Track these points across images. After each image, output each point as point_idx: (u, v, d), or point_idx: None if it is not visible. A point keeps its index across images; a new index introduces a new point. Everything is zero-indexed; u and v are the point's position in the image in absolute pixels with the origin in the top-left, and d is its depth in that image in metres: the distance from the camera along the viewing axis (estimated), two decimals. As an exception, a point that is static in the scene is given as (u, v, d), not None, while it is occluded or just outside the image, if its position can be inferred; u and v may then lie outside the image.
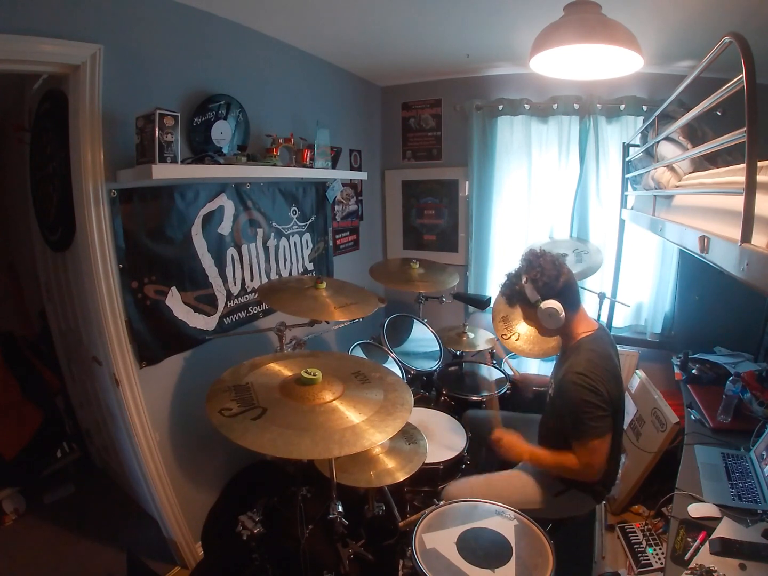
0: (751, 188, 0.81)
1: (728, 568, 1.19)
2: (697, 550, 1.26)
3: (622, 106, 2.62)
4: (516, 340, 2.34)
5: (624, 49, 1.38)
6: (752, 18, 1.72)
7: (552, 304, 1.49)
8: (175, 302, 1.84)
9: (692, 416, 1.99)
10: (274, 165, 2.01)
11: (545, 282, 1.50)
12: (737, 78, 0.87)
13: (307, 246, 2.60)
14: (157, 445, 1.84)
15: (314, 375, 1.25)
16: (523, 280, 1.55)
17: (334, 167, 2.58)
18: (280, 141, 2.08)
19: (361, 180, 3.08)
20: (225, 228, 2.03)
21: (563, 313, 1.50)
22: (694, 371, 2.30)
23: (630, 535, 1.92)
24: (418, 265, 2.71)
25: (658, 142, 1.74)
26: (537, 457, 1.56)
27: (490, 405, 1.92)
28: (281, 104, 2.34)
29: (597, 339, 1.53)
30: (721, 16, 1.77)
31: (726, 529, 1.32)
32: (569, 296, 1.53)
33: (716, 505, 1.42)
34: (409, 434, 1.74)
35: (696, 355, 2.40)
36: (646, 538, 1.88)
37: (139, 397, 1.75)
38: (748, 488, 1.51)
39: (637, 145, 2.32)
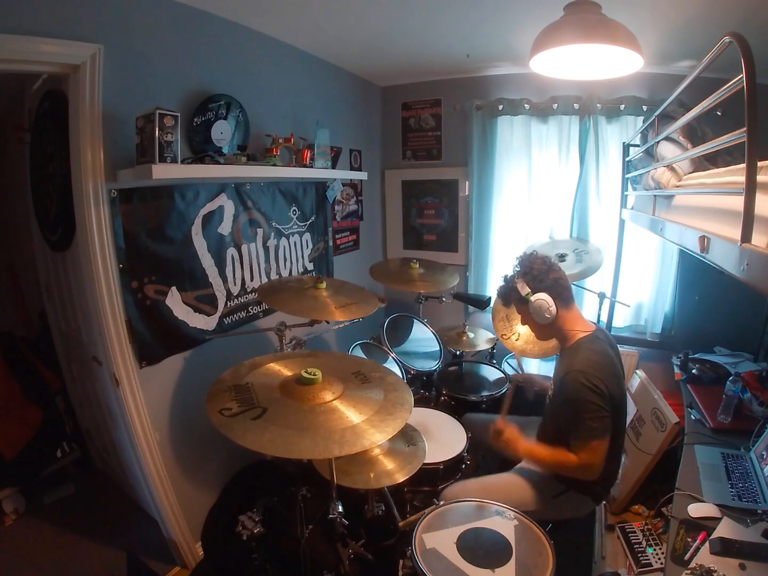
0: (751, 188, 0.81)
1: (728, 568, 1.18)
2: (697, 550, 1.26)
3: (622, 106, 2.62)
4: (516, 340, 2.34)
5: (624, 49, 1.38)
6: (752, 18, 1.72)
7: (541, 296, 1.54)
8: (175, 302, 1.84)
9: (692, 416, 1.99)
10: (274, 165, 2.01)
11: (534, 275, 1.57)
12: (737, 78, 0.87)
13: (307, 246, 2.59)
14: (157, 445, 1.84)
15: (314, 375, 1.25)
16: (516, 277, 1.62)
17: (334, 167, 2.58)
18: (280, 141, 2.08)
19: (361, 180, 3.08)
20: (225, 228, 2.03)
21: (553, 306, 1.53)
22: (694, 371, 2.31)
23: (630, 535, 1.92)
24: (418, 265, 2.71)
25: (658, 142, 1.74)
26: (535, 454, 1.56)
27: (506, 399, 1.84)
28: (281, 104, 2.34)
29: (595, 340, 1.53)
30: (721, 16, 1.77)
31: (726, 529, 1.32)
32: (560, 292, 1.56)
33: (716, 505, 1.42)
34: (408, 436, 1.74)
35: (696, 355, 2.40)
36: (646, 538, 1.88)
37: (139, 397, 1.75)
38: (748, 488, 1.51)
39: (637, 145, 2.32)
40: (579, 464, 1.42)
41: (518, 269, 1.63)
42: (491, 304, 2.64)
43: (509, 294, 1.66)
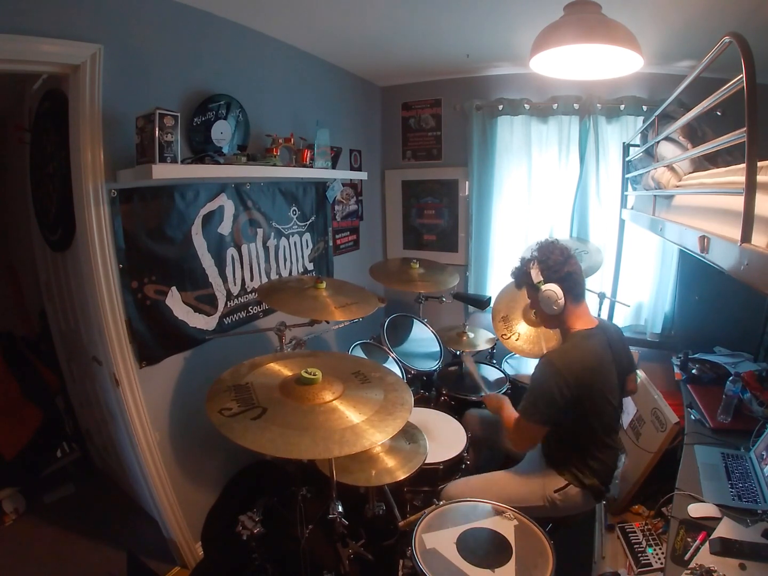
0: (751, 188, 0.81)
1: (728, 568, 1.19)
2: (697, 550, 1.26)
3: (622, 106, 2.62)
4: (516, 340, 2.34)
5: (624, 49, 1.38)
6: (752, 18, 1.72)
7: (552, 287, 1.54)
8: (175, 302, 1.84)
9: (692, 416, 1.99)
10: (274, 165, 2.01)
11: (549, 265, 1.56)
12: (737, 78, 0.87)
13: (307, 246, 2.59)
14: (157, 444, 1.84)
15: (314, 375, 1.25)
16: (532, 263, 1.62)
17: (334, 167, 2.58)
18: (280, 141, 2.08)
19: (361, 180, 3.08)
20: (225, 228, 2.03)
21: (563, 299, 1.53)
22: (694, 371, 2.30)
23: (630, 535, 1.91)
24: (418, 265, 2.70)
25: (658, 142, 1.74)
26: (504, 413, 1.70)
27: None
28: (281, 104, 2.34)
29: (589, 336, 1.53)
30: (721, 16, 1.77)
31: (726, 529, 1.32)
32: (572, 286, 1.56)
33: (716, 505, 1.42)
34: (409, 434, 1.74)
35: (696, 355, 2.40)
36: (646, 538, 1.88)
37: (139, 397, 1.75)
38: (748, 488, 1.51)
39: (637, 145, 2.32)
40: (510, 432, 1.61)
41: (536, 255, 1.63)
42: (491, 304, 2.63)
43: (522, 278, 1.67)
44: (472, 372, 2.04)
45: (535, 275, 1.58)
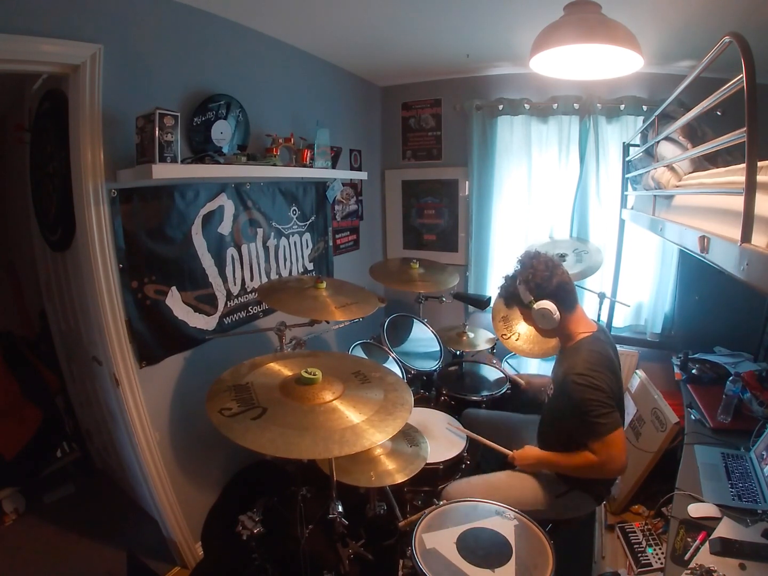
0: (751, 188, 0.81)
1: (728, 568, 1.19)
2: (697, 550, 1.26)
3: (622, 106, 2.62)
4: (516, 340, 2.34)
5: (624, 49, 1.38)
6: (752, 18, 1.72)
7: (545, 304, 1.51)
8: (175, 302, 1.84)
9: (692, 416, 1.99)
10: (274, 165, 2.01)
11: (537, 283, 1.52)
12: (737, 78, 0.87)
13: (307, 246, 2.60)
14: (157, 444, 1.84)
15: (314, 375, 1.25)
16: (518, 281, 1.58)
17: (334, 167, 2.58)
18: (280, 141, 2.08)
19: (361, 180, 3.08)
20: (225, 228, 2.03)
21: (557, 313, 1.51)
22: (694, 371, 2.31)
23: (630, 535, 1.92)
24: (418, 265, 2.70)
25: (658, 142, 1.74)
26: (555, 464, 1.53)
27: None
28: (281, 104, 2.34)
29: (596, 340, 1.53)
30: (721, 16, 1.77)
31: (726, 529, 1.32)
32: (563, 296, 1.53)
33: (716, 505, 1.42)
34: (411, 437, 1.74)
35: (696, 355, 2.40)
36: (646, 538, 1.88)
37: (139, 397, 1.75)
38: (748, 488, 1.51)
39: (637, 145, 2.33)
40: (601, 462, 1.39)
41: (520, 272, 1.59)
42: (491, 304, 2.64)
43: (511, 298, 1.62)
44: (479, 440, 1.77)
45: (524, 294, 1.54)
